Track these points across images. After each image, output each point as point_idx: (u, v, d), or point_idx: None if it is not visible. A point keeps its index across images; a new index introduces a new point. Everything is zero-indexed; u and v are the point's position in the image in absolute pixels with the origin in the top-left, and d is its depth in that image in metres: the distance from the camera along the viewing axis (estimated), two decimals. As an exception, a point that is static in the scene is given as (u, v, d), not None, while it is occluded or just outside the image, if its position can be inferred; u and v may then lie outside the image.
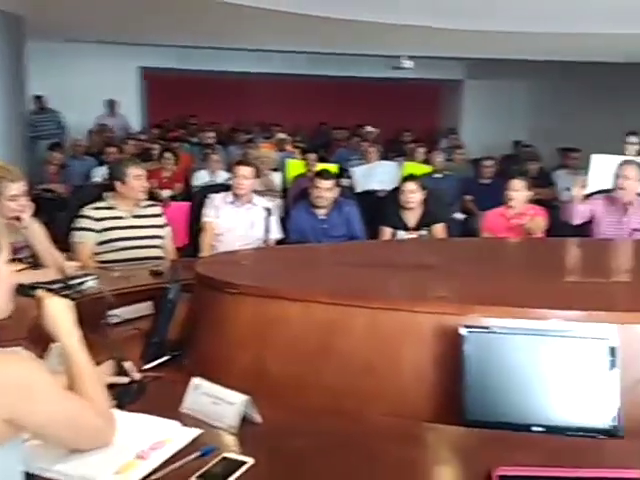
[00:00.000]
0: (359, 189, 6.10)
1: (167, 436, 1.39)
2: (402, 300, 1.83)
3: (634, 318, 1.67)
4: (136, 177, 3.35)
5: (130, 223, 3.38)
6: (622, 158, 4.64)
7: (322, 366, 1.72)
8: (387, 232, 4.13)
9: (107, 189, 3.47)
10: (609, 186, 3.99)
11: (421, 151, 7.00)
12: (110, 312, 2.30)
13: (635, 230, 3.79)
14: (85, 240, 3.25)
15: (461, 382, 1.57)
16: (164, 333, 2.00)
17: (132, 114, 10.13)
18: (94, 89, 9.24)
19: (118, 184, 3.36)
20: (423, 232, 4.11)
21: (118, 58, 9.47)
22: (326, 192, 4.04)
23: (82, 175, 6.80)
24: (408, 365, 1.67)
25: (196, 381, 1.55)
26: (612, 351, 1.54)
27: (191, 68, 10.05)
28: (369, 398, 1.66)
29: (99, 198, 3.42)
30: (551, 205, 5.54)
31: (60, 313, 1.42)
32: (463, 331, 1.59)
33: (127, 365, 1.69)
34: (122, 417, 1.42)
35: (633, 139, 5.45)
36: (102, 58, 9.30)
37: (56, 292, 1.55)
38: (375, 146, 7.29)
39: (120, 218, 3.36)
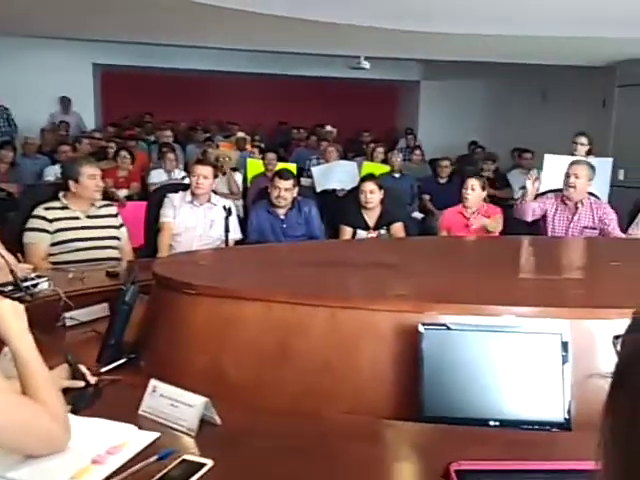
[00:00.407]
0: (319, 188, 6.12)
1: (124, 440, 1.37)
2: (361, 299, 1.84)
3: (585, 313, 1.72)
4: (90, 176, 3.28)
5: (85, 224, 3.31)
6: (573, 158, 4.78)
7: (281, 366, 1.72)
8: (347, 231, 4.16)
9: (61, 189, 3.39)
10: (561, 185, 4.11)
11: (380, 151, 7.07)
12: (64, 314, 2.26)
13: (585, 228, 3.92)
14: (38, 241, 3.17)
15: (419, 379, 1.59)
16: (121, 335, 1.97)
17: (87, 112, 9.92)
18: (47, 86, 9.01)
19: (72, 183, 3.28)
20: (382, 231, 4.15)
21: (72, 54, 9.24)
22: (286, 192, 4.03)
23: (34, 174, 6.63)
24: (367, 363, 1.69)
25: (154, 383, 1.53)
26: (564, 346, 1.59)
27: (148, 65, 9.89)
28: (328, 397, 1.67)
29: (52, 198, 3.34)
30: (506, 205, 5.67)
31: (11, 316, 1.38)
32: (421, 328, 1.61)
33: (82, 368, 1.66)
34: (77, 422, 1.39)
35: (582, 139, 5.63)
36: (55, 54, 9.05)
37: (7, 295, 1.50)
38: (334, 146, 7.32)
39: (74, 218, 3.29)
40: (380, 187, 4.17)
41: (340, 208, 4.59)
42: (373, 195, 4.12)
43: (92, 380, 1.66)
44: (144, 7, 5.31)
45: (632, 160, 6.69)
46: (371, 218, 4.17)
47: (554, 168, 4.50)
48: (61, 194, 3.34)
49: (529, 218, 4.01)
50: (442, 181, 6.60)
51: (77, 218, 3.30)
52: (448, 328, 1.63)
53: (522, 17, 5.33)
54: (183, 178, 5.82)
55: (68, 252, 3.20)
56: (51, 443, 1.27)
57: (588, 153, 5.62)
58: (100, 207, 3.41)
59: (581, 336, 1.64)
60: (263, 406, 1.65)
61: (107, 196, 3.79)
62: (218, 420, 1.46)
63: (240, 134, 8.33)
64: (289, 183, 4.07)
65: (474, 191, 4.11)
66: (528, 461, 1.31)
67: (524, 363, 1.60)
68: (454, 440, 1.45)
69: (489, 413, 1.58)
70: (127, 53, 9.39)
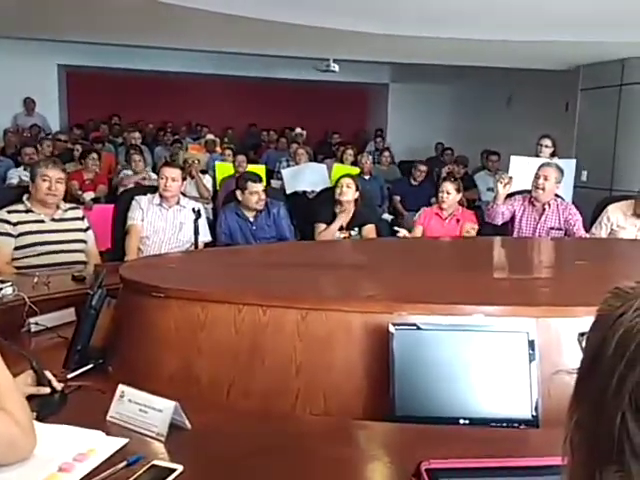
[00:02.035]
0: (289, 190, 6.12)
1: (91, 447, 1.34)
2: (332, 300, 1.84)
3: (551, 312, 1.75)
4: (43, 177, 3.20)
5: (50, 227, 3.24)
6: (539, 160, 4.88)
7: (252, 368, 1.71)
8: (322, 226, 4.17)
9: (25, 192, 3.32)
10: (527, 187, 4.18)
11: (350, 153, 7.10)
12: (29, 320, 2.21)
13: (552, 229, 3.99)
14: (1, 245, 3.10)
15: (390, 379, 1.60)
16: (87, 340, 1.93)
17: (52, 113, 9.72)
18: (10, 87, 8.80)
19: (30, 184, 3.24)
20: (354, 232, 4.17)
21: (36, 55, 9.04)
22: (263, 194, 4.05)
23: (-3, 177, 6.46)
24: (338, 364, 1.69)
25: (122, 389, 1.50)
26: (531, 344, 1.61)
27: (114, 66, 9.75)
28: (300, 399, 1.67)
29: (16, 201, 3.26)
30: (475, 206, 5.76)
31: None
32: (391, 329, 1.62)
33: (48, 375, 1.62)
34: (43, 429, 1.36)
35: (546, 142, 5.76)
36: (19, 55, 8.84)
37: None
38: (304, 148, 7.33)
39: (39, 222, 3.22)
40: (357, 187, 4.20)
41: (312, 208, 4.60)
42: (349, 189, 4.15)
43: (58, 386, 1.62)
44: (110, 7, 5.23)
45: (594, 162, 6.85)
46: (344, 220, 4.19)
47: (520, 170, 4.59)
48: (25, 197, 3.27)
49: (500, 222, 4.09)
50: (415, 183, 6.67)
51: (42, 221, 3.23)
52: (418, 328, 1.64)
53: (489, 22, 5.41)
54: (152, 181, 5.75)
55: (33, 256, 3.14)
56: (15, 451, 1.24)
57: (552, 155, 5.74)
58: (66, 210, 3.35)
59: (548, 334, 1.67)
60: (234, 409, 1.64)
61: (73, 199, 3.72)
62: (188, 424, 1.44)
63: (210, 136, 8.28)
64: (262, 185, 4.10)
65: (449, 194, 4.20)
66: (498, 458, 1.32)
67: (493, 362, 1.62)
68: (425, 439, 1.46)
69: (459, 412, 1.59)
70: (93, 54, 9.22)
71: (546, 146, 5.75)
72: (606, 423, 0.62)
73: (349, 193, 4.14)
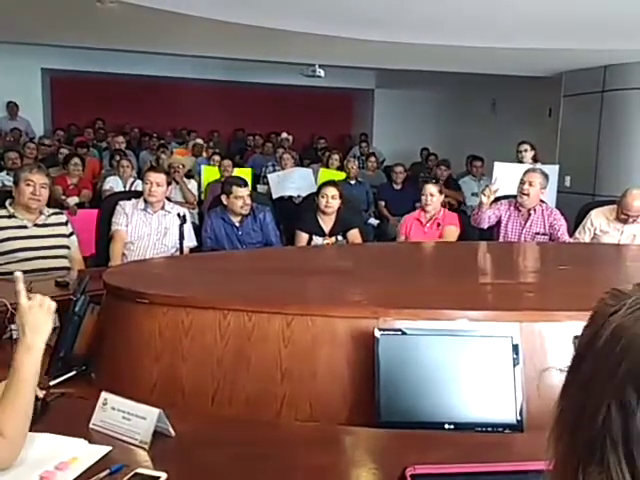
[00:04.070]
0: (275, 195, 6.11)
1: (73, 455, 1.33)
2: (317, 305, 1.84)
3: (535, 316, 1.76)
4: (26, 182, 3.18)
5: (33, 232, 3.21)
6: (523, 166, 4.93)
7: (237, 375, 1.70)
8: (304, 237, 4.16)
9: (8, 197, 3.29)
10: (512, 192, 4.22)
11: (336, 158, 7.11)
12: (11, 326, 2.18)
13: (537, 234, 4.03)
14: (-18, 251, 3.06)
15: (375, 384, 1.60)
16: (70, 347, 1.91)
17: (35, 118, 9.63)
18: (-8, 91, 8.73)
19: (14, 189, 3.21)
20: (339, 237, 4.17)
21: (19, 59, 8.94)
22: (248, 198, 4.03)
23: (-22, 182, 6.38)
24: (323, 370, 1.68)
25: (105, 396, 1.49)
26: (515, 348, 1.62)
27: (99, 70, 9.67)
28: (285, 405, 1.66)
29: (-1, 206, 3.23)
30: (459, 210, 5.80)
31: (48, 329, 1.35)
32: (377, 333, 1.62)
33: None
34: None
35: (525, 147, 5.84)
36: (2, 58, 8.74)
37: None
38: (290, 153, 7.33)
39: (22, 227, 3.19)
40: (340, 195, 4.19)
41: (297, 214, 4.58)
42: (334, 200, 4.13)
43: (40, 394, 1.60)
44: (94, 11, 5.20)
45: (577, 167, 6.93)
46: (327, 224, 4.19)
47: (503, 175, 4.63)
48: (8, 202, 3.24)
49: (485, 226, 4.12)
50: (397, 187, 6.70)
51: (24, 227, 3.20)
52: (403, 333, 1.64)
53: (473, 29, 5.45)
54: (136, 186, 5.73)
55: (15, 262, 3.10)
56: None
57: (534, 160, 5.80)
58: (49, 215, 3.32)
59: (532, 338, 1.68)
60: (219, 415, 1.63)
61: (57, 204, 3.68)
62: (172, 431, 1.43)
63: (198, 140, 8.25)
64: (248, 189, 4.08)
65: (433, 196, 4.21)
66: (483, 463, 1.33)
67: (477, 366, 1.63)
68: (410, 445, 1.46)
69: (444, 417, 1.60)
70: (77, 58, 9.14)
71: (525, 150, 5.82)
72: (591, 413, 0.62)
73: (335, 204, 4.14)
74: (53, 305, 1.39)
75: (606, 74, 6.76)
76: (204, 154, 7.96)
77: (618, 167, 6.65)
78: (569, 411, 0.66)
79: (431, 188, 4.24)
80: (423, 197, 4.24)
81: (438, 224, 4.22)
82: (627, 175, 6.38)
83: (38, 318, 1.34)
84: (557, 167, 5.99)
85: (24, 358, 1.30)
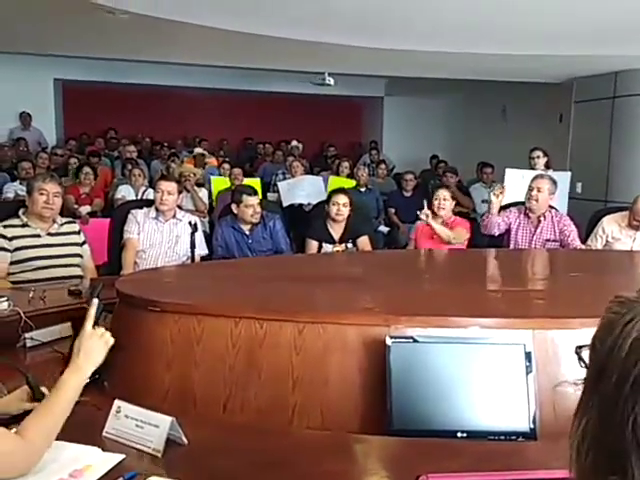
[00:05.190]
0: (285, 203, 6.13)
1: (87, 463, 1.33)
2: (328, 313, 1.84)
3: (547, 324, 1.75)
4: (40, 191, 3.21)
5: (46, 241, 3.24)
6: (534, 172, 4.91)
7: (248, 382, 1.71)
8: (313, 245, 4.16)
9: (21, 206, 3.32)
10: (522, 199, 4.20)
11: (346, 165, 7.12)
12: (25, 335, 2.19)
13: (547, 240, 4.00)
14: (-3, 260, 3.09)
15: (387, 392, 1.59)
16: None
17: (48, 128, 9.73)
18: (6, 101, 8.82)
19: (27, 198, 3.24)
20: (349, 245, 4.17)
21: (33, 69, 9.06)
22: (258, 207, 4.05)
23: (-7, 192, 6.45)
24: (335, 378, 1.68)
25: (118, 404, 1.50)
26: (528, 356, 1.61)
27: (110, 81, 9.77)
28: (297, 413, 1.66)
29: (12, 215, 3.26)
30: (470, 217, 5.78)
31: (100, 357, 1.46)
32: (388, 341, 1.62)
33: (44, 390, 1.61)
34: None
35: (538, 153, 5.81)
36: (16, 69, 8.87)
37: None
38: (300, 161, 7.35)
39: (35, 236, 3.22)
40: (351, 202, 4.20)
41: (307, 222, 4.59)
42: (345, 208, 4.14)
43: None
44: (105, 22, 5.26)
45: (589, 173, 6.89)
46: (337, 232, 4.19)
47: (515, 182, 4.61)
48: (21, 211, 3.27)
49: (496, 233, 4.10)
50: (407, 194, 6.70)
51: (38, 236, 3.23)
52: (415, 341, 1.64)
53: (483, 36, 5.46)
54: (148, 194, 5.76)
55: (28, 271, 3.13)
56: (10, 467, 1.23)
57: (547, 167, 5.78)
58: (62, 224, 3.34)
59: (544, 346, 1.67)
60: (231, 423, 1.63)
61: (69, 213, 3.71)
62: (185, 440, 1.43)
63: (198, 150, 8.21)
64: (257, 198, 4.10)
65: (446, 201, 4.20)
66: (496, 472, 1.32)
67: (490, 374, 1.62)
68: (422, 453, 1.45)
69: (456, 425, 1.59)
70: (89, 68, 9.25)
71: (538, 157, 5.80)
72: (616, 429, 0.62)
73: (345, 212, 4.15)
74: (111, 341, 1.49)
75: (617, 80, 6.73)
76: (211, 162, 7.97)
77: (630, 173, 6.61)
78: (592, 427, 0.66)
79: (444, 192, 4.24)
80: (436, 201, 4.21)
81: (450, 229, 4.20)
82: (639, 181, 6.34)
83: (95, 346, 1.45)
84: (569, 174, 5.96)
85: (71, 377, 1.39)
